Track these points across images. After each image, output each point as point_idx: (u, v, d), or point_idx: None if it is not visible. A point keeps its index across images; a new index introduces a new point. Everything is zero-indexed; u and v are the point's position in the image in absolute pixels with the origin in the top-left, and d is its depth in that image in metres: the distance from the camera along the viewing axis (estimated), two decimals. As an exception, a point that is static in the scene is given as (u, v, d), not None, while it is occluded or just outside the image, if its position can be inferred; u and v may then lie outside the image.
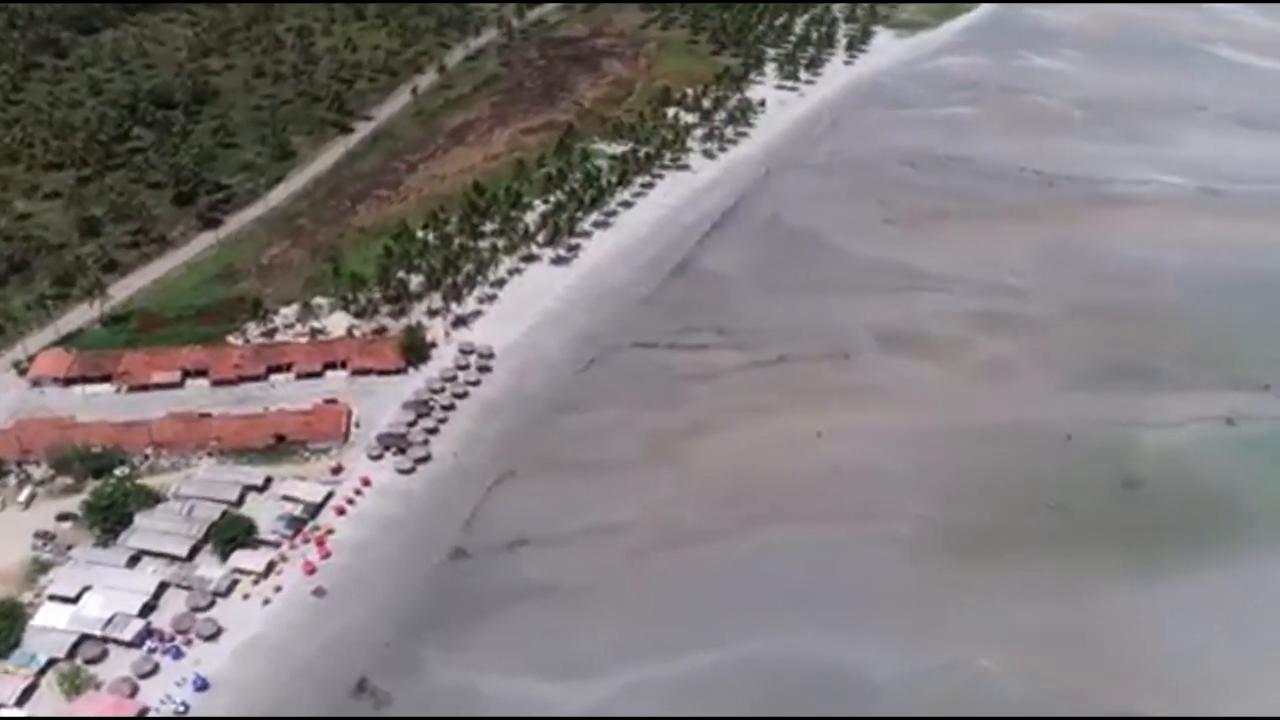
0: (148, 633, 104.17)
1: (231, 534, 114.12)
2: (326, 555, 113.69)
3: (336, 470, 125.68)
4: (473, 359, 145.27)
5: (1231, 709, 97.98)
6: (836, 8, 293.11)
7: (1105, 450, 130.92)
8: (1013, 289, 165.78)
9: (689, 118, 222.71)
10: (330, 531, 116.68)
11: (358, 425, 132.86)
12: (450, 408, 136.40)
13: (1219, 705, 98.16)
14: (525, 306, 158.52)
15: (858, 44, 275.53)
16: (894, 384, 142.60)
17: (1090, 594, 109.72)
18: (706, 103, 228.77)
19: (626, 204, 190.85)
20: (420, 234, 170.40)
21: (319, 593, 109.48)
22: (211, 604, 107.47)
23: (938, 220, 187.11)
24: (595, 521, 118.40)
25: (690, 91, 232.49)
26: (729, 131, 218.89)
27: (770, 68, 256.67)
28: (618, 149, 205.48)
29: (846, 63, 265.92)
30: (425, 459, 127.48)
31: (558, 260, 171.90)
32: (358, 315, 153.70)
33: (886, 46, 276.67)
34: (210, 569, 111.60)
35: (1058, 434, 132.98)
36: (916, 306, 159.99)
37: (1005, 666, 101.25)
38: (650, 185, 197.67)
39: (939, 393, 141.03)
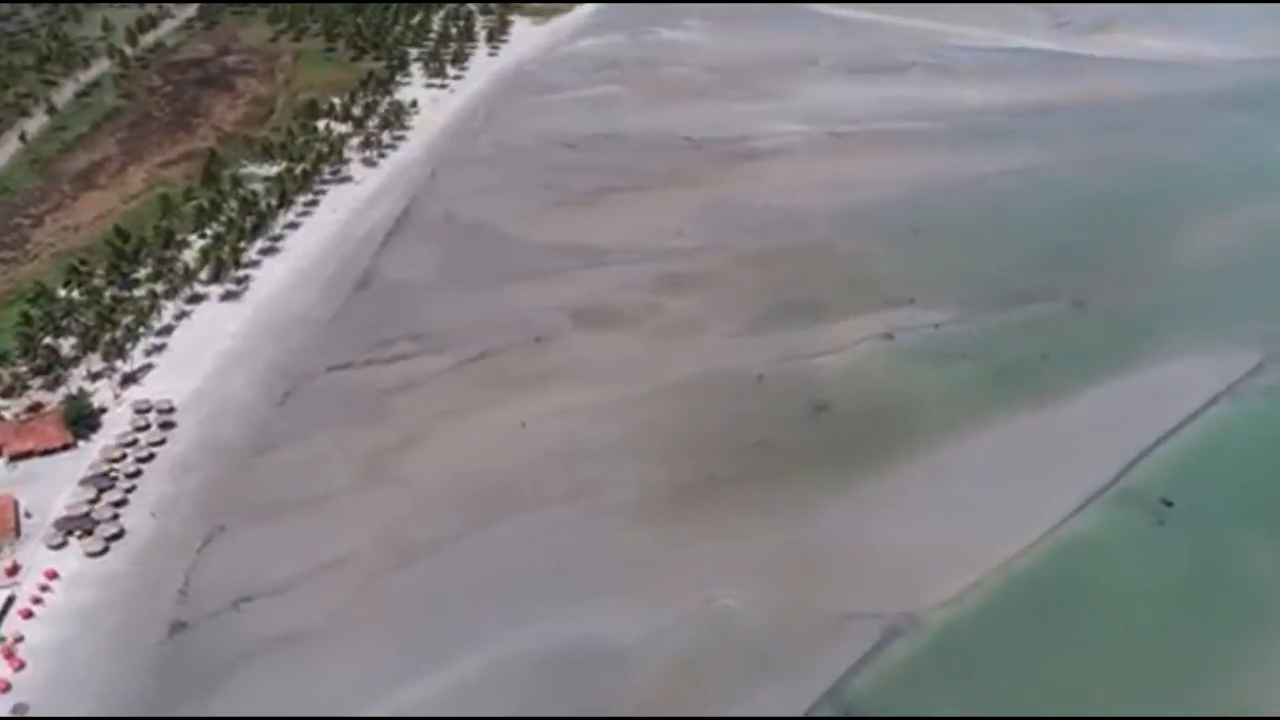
0: None
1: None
2: (20, 667, 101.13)
3: (12, 571, 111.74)
4: (152, 416, 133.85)
5: (945, 582, 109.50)
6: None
7: (792, 383, 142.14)
8: (683, 250, 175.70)
9: (341, 128, 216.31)
10: (19, 639, 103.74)
11: (28, 515, 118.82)
12: (136, 474, 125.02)
13: (933, 584, 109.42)
14: (201, 350, 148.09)
15: (498, 35, 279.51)
16: (593, 359, 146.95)
17: (805, 514, 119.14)
18: (357, 110, 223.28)
19: (292, 225, 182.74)
20: (62, 292, 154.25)
21: (19, 710, 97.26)
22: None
23: (604, 196, 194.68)
24: (322, 558, 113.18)
25: (337, 101, 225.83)
26: (386, 136, 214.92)
27: (415, 67, 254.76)
28: (271, 170, 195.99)
29: (490, 54, 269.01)
30: (118, 535, 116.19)
31: (228, 295, 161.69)
32: (4, 395, 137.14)
33: (526, 34, 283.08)
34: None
35: (748, 376, 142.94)
36: (600, 281, 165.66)
37: (744, 600, 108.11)
38: (314, 203, 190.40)
39: (635, 359, 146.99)
